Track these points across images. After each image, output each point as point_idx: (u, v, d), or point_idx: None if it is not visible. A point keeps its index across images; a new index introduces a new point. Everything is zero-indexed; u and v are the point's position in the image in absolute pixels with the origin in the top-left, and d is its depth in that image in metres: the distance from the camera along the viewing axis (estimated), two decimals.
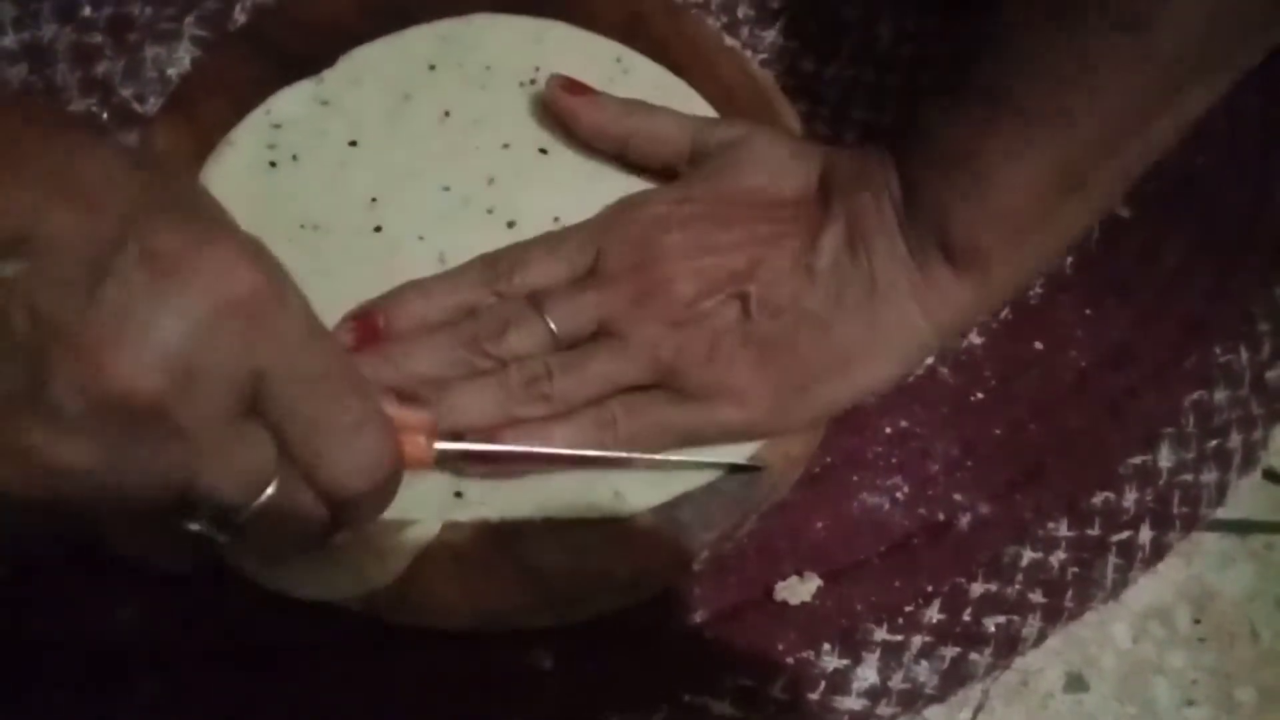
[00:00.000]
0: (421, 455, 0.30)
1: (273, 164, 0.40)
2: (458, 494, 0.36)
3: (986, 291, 0.35)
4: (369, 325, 0.36)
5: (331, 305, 0.38)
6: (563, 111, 0.40)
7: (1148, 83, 0.31)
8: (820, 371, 0.36)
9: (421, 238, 0.39)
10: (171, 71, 0.43)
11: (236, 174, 0.40)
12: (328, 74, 0.42)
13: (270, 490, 0.25)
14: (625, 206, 0.38)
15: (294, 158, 0.40)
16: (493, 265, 0.37)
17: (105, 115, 0.43)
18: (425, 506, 0.36)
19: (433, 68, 0.42)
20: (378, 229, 0.39)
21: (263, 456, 0.24)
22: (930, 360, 0.41)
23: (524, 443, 0.34)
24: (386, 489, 0.28)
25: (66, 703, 0.34)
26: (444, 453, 0.31)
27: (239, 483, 0.24)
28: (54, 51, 0.43)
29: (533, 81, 0.42)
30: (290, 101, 0.41)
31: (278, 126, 0.41)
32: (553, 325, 0.36)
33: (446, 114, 0.41)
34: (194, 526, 0.25)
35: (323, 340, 0.25)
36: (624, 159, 0.40)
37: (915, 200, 0.35)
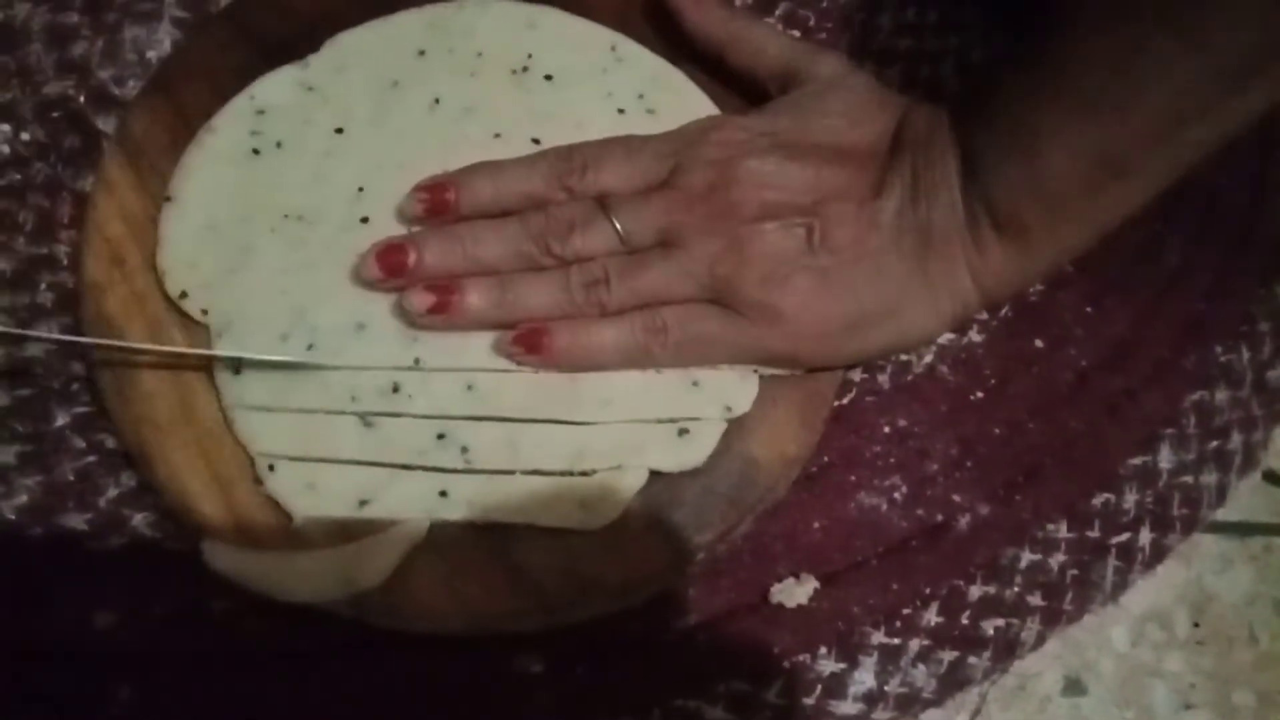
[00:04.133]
0: None
1: (256, 151, 0.39)
2: (442, 493, 0.35)
3: (1026, 263, 0.36)
4: (440, 197, 0.37)
5: (317, 298, 0.37)
6: (669, 6, 0.41)
7: (1199, 82, 0.31)
8: (871, 312, 0.36)
9: (410, 229, 0.38)
10: (151, 54, 0.42)
11: (218, 161, 0.39)
12: (313, 59, 0.41)
13: None
14: (710, 126, 0.39)
15: (278, 145, 0.39)
16: (567, 159, 0.38)
17: (82, 98, 0.41)
18: (410, 505, 0.35)
19: (422, 54, 0.41)
20: (364, 220, 0.38)
21: None
22: (929, 358, 0.41)
23: (574, 340, 0.36)
24: None
25: (41, 711, 0.33)
26: None
27: None
28: (28, 31, 0.42)
29: (525, 69, 0.41)
30: (274, 87, 0.40)
31: (261, 113, 0.40)
32: (619, 229, 0.36)
33: (436, 102, 0.40)
34: None
35: None
36: (720, 65, 0.41)
37: (969, 163, 0.36)
